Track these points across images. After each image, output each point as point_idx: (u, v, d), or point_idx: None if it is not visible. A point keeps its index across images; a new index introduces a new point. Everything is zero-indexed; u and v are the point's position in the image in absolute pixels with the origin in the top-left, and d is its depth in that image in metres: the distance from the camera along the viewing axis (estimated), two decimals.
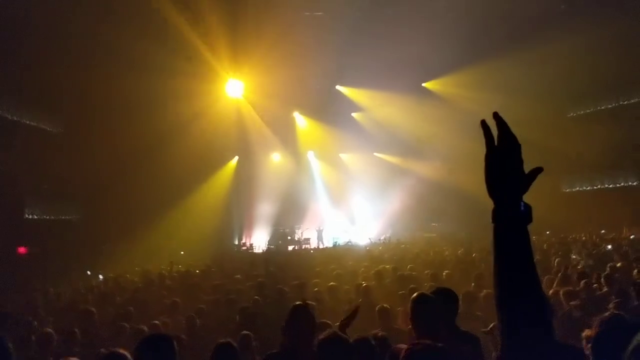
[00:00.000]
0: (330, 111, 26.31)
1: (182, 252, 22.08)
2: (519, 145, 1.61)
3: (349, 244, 25.02)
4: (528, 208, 1.60)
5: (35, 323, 7.36)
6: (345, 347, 3.07)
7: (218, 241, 25.74)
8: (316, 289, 9.03)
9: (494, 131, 1.63)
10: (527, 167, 1.63)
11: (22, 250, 21.83)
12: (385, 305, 6.55)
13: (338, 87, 26.32)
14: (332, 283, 9.19)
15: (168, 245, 22.26)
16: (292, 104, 26.56)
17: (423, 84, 25.27)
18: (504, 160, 1.60)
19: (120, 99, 21.04)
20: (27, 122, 21.88)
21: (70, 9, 17.98)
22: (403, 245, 20.57)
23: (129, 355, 3.04)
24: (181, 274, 13.77)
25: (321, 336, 3.12)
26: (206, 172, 26.98)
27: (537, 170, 1.60)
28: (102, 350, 3.97)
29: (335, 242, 26.75)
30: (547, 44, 19.90)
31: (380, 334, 4.09)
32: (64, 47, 19.02)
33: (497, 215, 1.60)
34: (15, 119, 21.19)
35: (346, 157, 30.05)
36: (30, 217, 22.45)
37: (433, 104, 24.37)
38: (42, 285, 13.59)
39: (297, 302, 3.97)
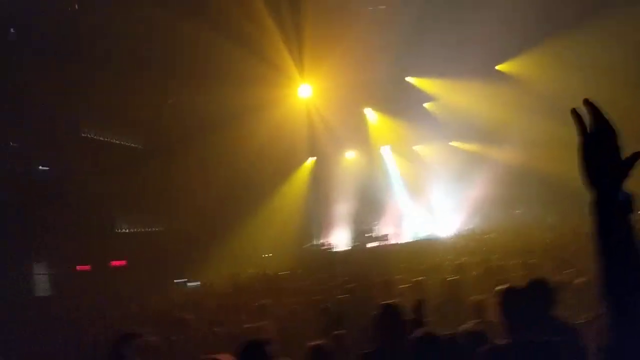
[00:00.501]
0: (401, 104, 26.07)
1: (266, 255, 22.52)
2: (615, 131, 1.51)
3: (431, 237, 24.64)
4: (628, 197, 1.51)
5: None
6: (440, 344, 3.02)
7: (300, 242, 26.08)
8: (401, 285, 8.95)
9: (586, 119, 1.54)
10: (624, 152, 1.53)
11: (115, 263, 22.99)
12: (476, 297, 6.40)
13: (408, 79, 26.06)
14: (417, 278, 9.08)
15: (253, 250, 22.79)
16: (362, 100, 26.58)
17: (496, 67, 24.54)
18: (599, 149, 1.50)
19: (199, 109, 21.71)
20: (111, 140, 23.01)
21: (147, 24, 18.75)
22: (487, 236, 20.05)
23: None
24: (268, 277, 14.05)
25: (414, 335, 3.08)
26: (284, 175, 27.42)
27: (636, 156, 1.50)
28: (202, 356, 4.12)
29: (416, 236, 26.42)
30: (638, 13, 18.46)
31: (475, 328, 3.99)
32: (143, 66, 19.87)
33: (597, 207, 1.51)
34: (100, 138, 22.34)
35: (421, 149, 29.62)
36: (120, 231, 23.59)
37: (508, 87, 23.59)
38: (136, 295, 14.25)
39: (386, 301, 3.94)
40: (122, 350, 3.28)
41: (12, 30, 19.42)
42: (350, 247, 26.15)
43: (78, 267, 21.88)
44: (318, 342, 4.28)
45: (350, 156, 30.28)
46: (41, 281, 21.87)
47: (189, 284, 16.81)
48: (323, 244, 28.64)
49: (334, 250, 26.06)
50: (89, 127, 22.01)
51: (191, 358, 5.64)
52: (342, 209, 29.08)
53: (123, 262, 23.12)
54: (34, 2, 18.21)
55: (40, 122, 18.92)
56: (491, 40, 21.31)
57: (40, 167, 19.05)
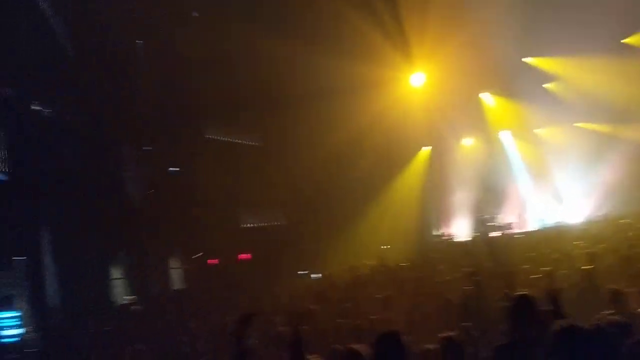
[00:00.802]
0: (519, 86, 24.94)
1: (385, 247, 22.55)
2: None
3: (559, 224, 23.40)
4: None
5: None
6: (585, 336, 2.88)
7: (418, 233, 25.85)
8: (532, 275, 8.61)
9: None
10: None
11: (242, 256, 24.13)
12: (613, 286, 6.03)
13: (525, 59, 24.91)
14: (546, 268, 8.70)
15: (371, 241, 22.92)
16: (478, 85, 25.81)
17: (622, 41, 22.77)
18: None
19: (314, 106, 22.13)
20: (234, 140, 24.13)
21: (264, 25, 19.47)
22: (621, 222, 18.67)
23: (364, 352, 3.20)
24: (388, 269, 14.07)
25: (556, 326, 2.96)
26: (399, 165, 27.28)
27: None
28: (337, 346, 4.24)
29: (543, 224, 25.22)
30: None
31: (619, 319, 3.77)
32: (259, 64, 20.63)
33: None
34: (223, 139, 23.50)
35: (543, 132, 28.18)
36: (245, 225, 24.71)
37: (638, 61, 21.83)
38: (264, 287, 14.86)
39: (521, 292, 3.83)
40: (242, 330, 3.43)
41: (139, 42, 20.90)
42: (471, 237, 25.49)
43: (208, 261, 23.23)
44: (449, 333, 4.25)
45: (468, 143, 29.52)
46: (176, 275, 23.45)
47: (312, 275, 17.24)
48: (443, 234, 28.20)
49: (455, 240, 25.53)
50: (211, 129, 23.23)
51: (319, 348, 5.78)
52: (462, 198, 28.43)
53: (248, 256, 24.22)
54: (163, 13, 19.45)
55: (169, 127, 20.21)
56: (615, 13, 19.84)
57: (171, 169, 20.39)
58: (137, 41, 20.52)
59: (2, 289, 16.18)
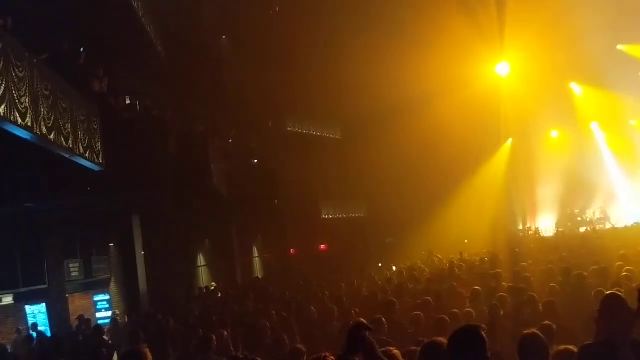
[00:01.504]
0: (612, 75, 23.66)
1: (466, 241, 22.13)
2: None
3: None
4: None
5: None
6: None
7: (502, 227, 25.18)
8: (624, 273, 8.20)
9: None
10: None
11: (323, 247, 24.44)
12: None
13: (619, 47, 23.60)
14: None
15: (453, 234, 22.58)
16: (567, 74, 24.69)
17: None
18: None
19: (394, 95, 22.00)
20: (314, 133, 24.41)
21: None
22: None
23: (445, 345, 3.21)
24: (469, 263, 13.82)
25: None
26: (482, 157, 26.64)
27: None
28: (422, 339, 4.25)
29: (637, 220, 23.87)
30: None
31: None
32: (338, 64, 20.76)
33: None
34: (304, 132, 23.83)
35: (638, 124, 26.64)
36: (326, 217, 24.99)
37: None
38: (343, 277, 14.97)
39: (611, 291, 3.69)
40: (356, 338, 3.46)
41: (224, 37, 21.51)
42: (558, 232, 24.53)
43: (292, 250, 23.73)
44: (531, 330, 4.15)
45: (555, 135, 28.39)
46: (258, 263, 24.11)
47: (393, 267, 17.21)
48: (529, 229, 27.34)
49: (541, 235, 24.66)
50: (294, 122, 23.61)
51: (399, 340, 5.80)
52: (548, 191, 27.42)
53: (326, 246, 24.53)
54: (237, 10, 19.92)
55: (252, 121, 20.72)
56: None
57: (255, 161, 20.93)
58: (223, 37, 21.15)
59: (98, 274, 17.27)
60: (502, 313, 7.20)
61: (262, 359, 5.46)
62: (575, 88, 26.20)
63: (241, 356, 5.75)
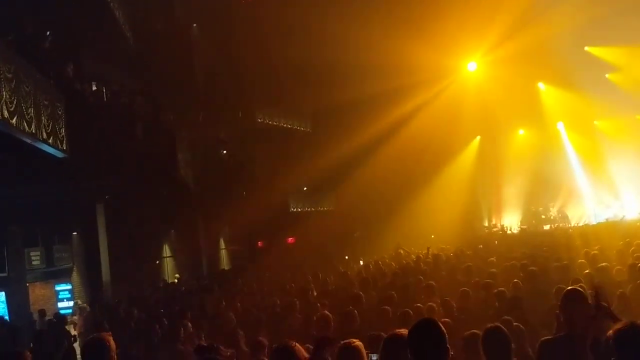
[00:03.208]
0: (579, 76, 24.08)
1: (432, 236, 22.36)
2: None
3: (616, 218, 22.58)
4: None
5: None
6: None
7: (467, 223, 25.50)
8: (587, 270, 8.37)
9: None
10: None
11: (290, 240, 24.40)
12: None
13: (587, 49, 23.99)
14: (602, 264, 8.45)
15: (420, 230, 22.77)
16: (535, 74, 25.01)
17: None
18: None
19: (365, 89, 22.00)
20: (284, 125, 24.30)
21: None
22: None
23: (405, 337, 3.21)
24: (435, 257, 13.94)
25: (617, 327, 2.85)
26: (449, 154, 26.89)
27: None
28: (378, 333, 4.26)
29: (598, 218, 24.44)
30: None
31: None
32: (309, 54, 20.64)
33: None
34: (274, 123, 23.70)
35: (602, 124, 27.21)
36: (295, 210, 24.93)
37: None
38: (311, 270, 14.96)
39: (570, 287, 3.74)
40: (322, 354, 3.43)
41: (194, 25, 21.22)
42: (522, 229, 24.97)
43: (259, 243, 23.62)
44: (493, 324, 4.20)
45: (521, 133, 28.83)
46: (224, 255, 23.95)
47: (360, 261, 17.29)
48: (494, 226, 27.74)
49: (506, 232, 25.07)
50: (264, 113, 23.43)
51: (364, 333, 5.82)
52: (514, 189, 27.83)
53: (294, 239, 24.50)
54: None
55: (222, 111, 20.52)
56: None
57: (224, 152, 20.75)
58: (193, 25, 20.86)
59: (60, 263, 16.92)
60: (455, 307, 7.30)
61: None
62: (542, 88, 26.58)
63: (205, 345, 5.72)
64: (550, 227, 24.77)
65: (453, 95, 24.01)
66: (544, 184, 27.02)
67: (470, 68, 23.85)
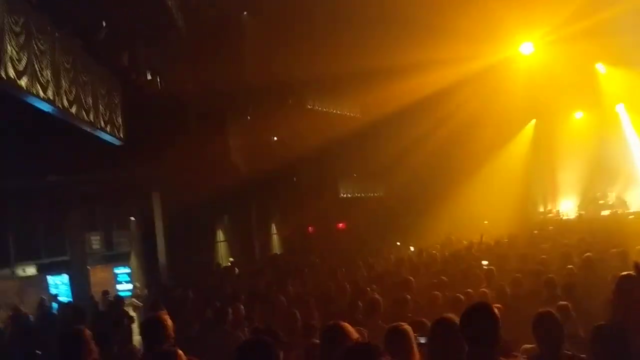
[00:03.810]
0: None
1: (486, 222, 22.02)
2: None
3: None
4: None
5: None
6: None
7: (522, 209, 24.97)
8: None
9: None
10: None
11: (341, 225, 24.50)
12: None
13: None
14: None
15: (472, 216, 22.45)
16: (594, 54, 24.08)
17: None
18: None
19: (413, 74, 21.70)
20: (334, 111, 24.30)
21: None
22: None
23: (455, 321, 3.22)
24: (488, 244, 13.77)
25: None
26: (503, 138, 26.31)
27: None
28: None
29: None
30: None
31: None
32: (358, 37, 20.49)
33: None
34: (324, 110, 23.73)
35: None
36: (345, 195, 24.99)
37: None
38: (360, 256, 15.03)
39: (626, 272, 3.65)
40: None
41: (245, 13, 21.35)
42: (579, 215, 24.28)
43: (309, 229, 23.83)
44: (544, 310, 4.14)
45: (579, 116, 27.92)
46: (276, 240, 24.27)
47: (411, 247, 17.21)
48: (549, 211, 27.11)
49: (562, 217, 24.45)
50: (314, 99, 23.46)
51: (416, 316, 5.84)
52: (570, 174, 27.06)
53: (344, 225, 24.59)
54: None
55: (272, 98, 20.64)
56: None
57: (274, 139, 20.93)
58: (244, 12, 21.00)
59: (119, 247, 17.55)
60: (509, 293, 7.20)
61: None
62: (602, 69, 25.62)
63: (261, 328, 5.86)
64: (609, 212, 24.03)
65: (508, 77, 23.41)
66: (602, 168, 26.18)
67: (526, 49, 23.18)
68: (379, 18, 20.05)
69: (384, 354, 2.69)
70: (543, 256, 9.91)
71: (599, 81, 25.75)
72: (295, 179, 21.14)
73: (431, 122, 23.38)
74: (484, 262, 10.57)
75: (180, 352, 3.57)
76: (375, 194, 26.74)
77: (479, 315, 3.10)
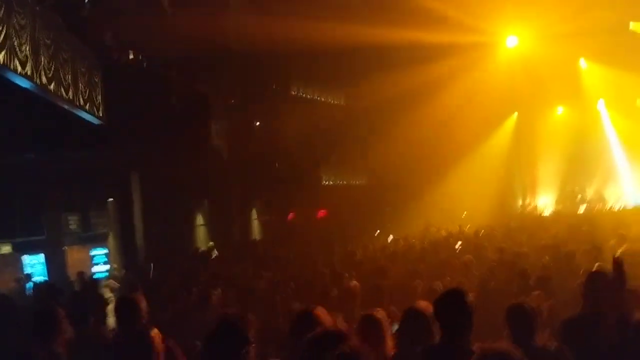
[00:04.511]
0: (623, 54, 23.30)
1: (465, 213, 22.22)
2: None
3: None
4: None
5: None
6: None
7: (501, 202, 25.22)
8: (618, 252, 8.23)
9: None
10: None
11: (321, 213, 24.53)
12: None
13: (632, 25, 23.17)
14: (634, 246, 8.30)
15: (451, 207, 22.63)
16: (577, 50, 24.29)
17: None
18: None
19: (398, 65, 21.71)
20: (318, 98, 24.26)
21: None
22: None
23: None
24: (465, 235, 13.89)
25: None
26: (485, 131, 26.48)
27: None
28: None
29: (638, 201, 23.87)
30: None
31: None
32: (347, 29, 20.39)
33: None
34: (307, 96, 23.68)
35: None
36: (327, 183, 25.01)
37: None
38: (339, 243, 15.10)
39: (595, 269, 3.71)
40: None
41: None
42: (558, 210, 24.60)
43: (290, 215, 23.82)
44: (518, 301, 4.20)
45: (560, 111, 28.19)
46: (256, 226, 24.24)
47: (390, 236, 17.30)
48: (528, 205, 27.40)
49: (540, 212, 24.74)
50: (298, 85, 23.38)
51: (391, 303, 5.89)
52: (550, 168, 27.35)
53: (325, 213, 24.62)
54: None
55: (256, 83, 20.53)
56: None
57: (257, 123, 20.85)
58: None
59: (96, 228, 17.37)
60: (492, 285, 7.27)
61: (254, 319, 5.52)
62: (584, 65, 25.85)
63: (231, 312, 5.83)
64: (586, 207, 24.36)
65: (491, 70, 23.52)
66: (581, 163, 26.49)
67: (510, 42, 23.28)
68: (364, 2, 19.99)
69: (350, 339, 2.69)
70: (519, 249, 10.04)
71: (580, 77, 26.01)
72: (277, 164, 21.09)
73: (415, 112, 23.42)
74: (458, 243, 10.65)
75: (155, 331, 3.56)
76: (358, 182, 26.81)
77: (451, 303, 3.13)
